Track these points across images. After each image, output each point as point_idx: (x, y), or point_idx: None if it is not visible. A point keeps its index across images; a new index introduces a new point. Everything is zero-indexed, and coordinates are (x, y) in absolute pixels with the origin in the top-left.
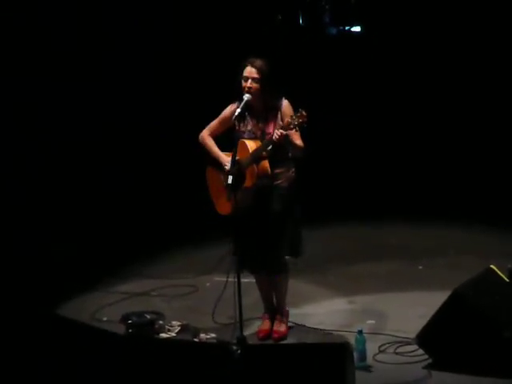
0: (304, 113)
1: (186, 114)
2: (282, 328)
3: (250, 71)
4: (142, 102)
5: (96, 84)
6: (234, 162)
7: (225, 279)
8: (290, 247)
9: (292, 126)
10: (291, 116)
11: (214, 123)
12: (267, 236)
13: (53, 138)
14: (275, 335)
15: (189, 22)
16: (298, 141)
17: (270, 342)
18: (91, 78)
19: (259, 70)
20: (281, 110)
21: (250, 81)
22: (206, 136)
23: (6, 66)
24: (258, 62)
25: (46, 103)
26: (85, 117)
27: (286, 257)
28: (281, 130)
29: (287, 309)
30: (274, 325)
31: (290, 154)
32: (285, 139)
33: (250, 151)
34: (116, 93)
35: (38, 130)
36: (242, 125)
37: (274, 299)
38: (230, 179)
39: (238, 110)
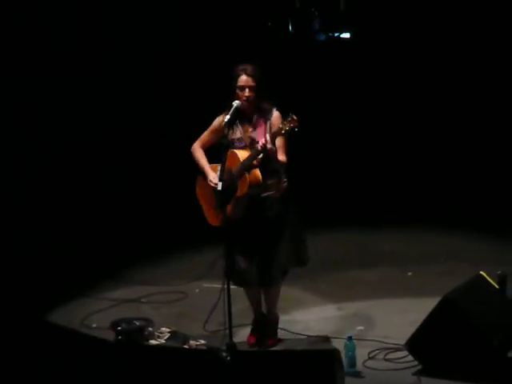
0: (295, 117)
1: (185, 116)
2: (273, 334)
3: (246, 80)
4: (142, 103)
5: (96, 84)
6: (223, 169)
7: (214, 286)
8: (292, 258)
9: (283, 132)
10: (282, 121)
11: (205, 135)
12: (260, 248)
13: (53, 137)
14: (266, 341)
15: (179, 26)
16: (281, 156)
17: (260, 348)
18: (91, 78)
19: (254, 78)
20: (270, 121)
21: (247, 90)
22: (196, 148)
23: (6, 66)
24: (251, 69)
25: (45, 103)
26: (85, 117)
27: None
28: (267, 138)
29: (277, 315)
30: (265, 331)
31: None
32: (271, 150)
33: (241, 160)
34: (116, 93)
35: (38, 130)
36: (231, 132)
37: (264, 306)
38: (219, 185)
39: (228, 117)
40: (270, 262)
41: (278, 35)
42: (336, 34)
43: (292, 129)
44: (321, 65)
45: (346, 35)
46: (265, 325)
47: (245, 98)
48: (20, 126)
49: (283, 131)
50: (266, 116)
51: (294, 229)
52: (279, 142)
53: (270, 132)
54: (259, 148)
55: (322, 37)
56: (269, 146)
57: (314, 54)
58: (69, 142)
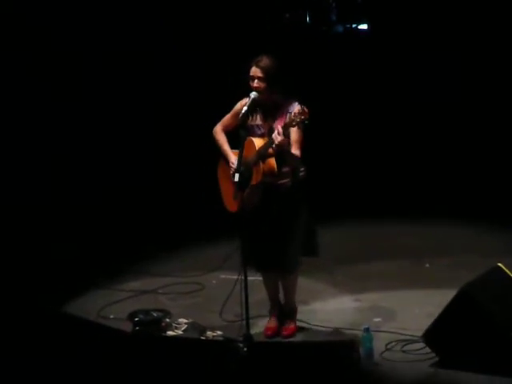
0: (306, 109)
1: (192, 109)
2: (291, 325)
3: (254, 71)
4: (145, 94)
5: (97, 78)
6: (240, 160)
7: (231, 277)
8: (303, 247)
9: (294, 124)
10: (294, 113)
11: (227, 118)
12: (275, 235)
13: (53, 134)
14: (284, 332)
15: (199, 17)
16: (296, 150)
17: (277, 339)
18: (92, 74)
19: (263, 69)
20: (291, 113)
21: (256, 80)
22: (218, 131)
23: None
24: (263, 61)
25: (44, 100)
26: (83, 112)
27: (302, 256)
28: (280, 129)
29: (295, 305)
30: (283, 322)
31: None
32: (284, 143)
33: (257, 149)
34: (118, 84)
35: (37, 128)
36: (251, 119)
37: (282, 297)
38: (236, 177)
39: (245, 108)
40: (286, 248)
41: (296, 27)
42: (353, 25)
43: (302, 121)
44: (338, 56)
45: (364, 26)
46: (282, 315)
47: (254, 88)
48: (19, 124)
49: (294, 123)
50: (287, 108)
51: (306, 217)
52: (296, 135)
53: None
54: (274, 138)
55: (340, 28)
56: (280, 138)
57: (331, 45)
58: (75, 136)
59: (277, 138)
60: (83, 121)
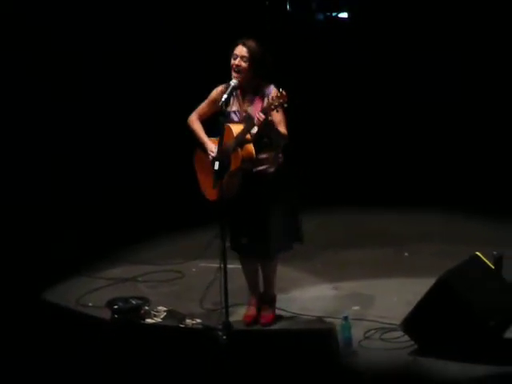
0: (284, 92)
1: (172, 96)
2: (270, 313)
3: (240, 50)
4: (145, 94)
5: (97, 78)
6: (220, 147)
7: (210, 265)
8: (288, 234)
9: (273, 107)
10: (271, 97)
11: (202, 106)
12: (256, 222)
13: (53, 134)
14: (262, 320)
15: (177, 7)
16: (282, 129)
17: (256, 327)
18: (92, 74)
19: (249, 50)
20: (268, 97)
21: (238, 59)
22: (194, 120)
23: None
24: (250, 43)
25: (41, 99)
26: (83, 112)
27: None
28: (260, 113)
29: (274, 294)
30: (262, 310)
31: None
32: (266, 124)
33: (235, 135)
34: (118, 83)
35: (37, 128)
36: (228, 105)
37: (261, 284)
38: (216, 165)
39: (225, 96)
40: (266, 235)
41: (276, 14)
42: (334, 14)
43: (281, 104)
44: (319, 44)
45: (344, 15)
46: (261, 303)
47: (235, 67)
48: (20, 121)
49: (272, 106)
50: (263, 92)
51: (288, 204)
52: (279, 116)
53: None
54: (255, 122)
55: (320, 16)
56: (261, 117)
57: (311, 33)
58: (63, 133)
59: (257, 121)
60: (83, 121)
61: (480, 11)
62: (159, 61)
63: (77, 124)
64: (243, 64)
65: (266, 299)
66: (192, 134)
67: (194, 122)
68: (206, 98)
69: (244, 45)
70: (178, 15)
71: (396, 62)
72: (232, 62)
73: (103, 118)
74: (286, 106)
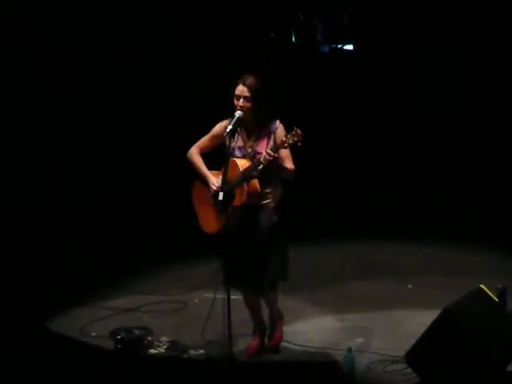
0: (299, 131)
1: (175, 131)
2: (277, 334)
3: (241, 90)
4: (145, 94)
5: (97, 78)
6: (225, 179)
7: (213, 296)
8: (279, 271)
9: (286, 145)
10: (285, 134)
11: (204, 140)
12: (255, 255)
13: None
14: (272, 342)
15: (183, 35)
16: (289, 164)
17: (260, 359)
18: (92, 74)
19: (250, 88)
20: (275, 133)
21: (241, 100)
22: (194, 153)
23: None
24: (250, 80)
25: (41, 99)
26: (83, 112)
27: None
28: (269, 151)
29: (282, 314)
30: (270, 333)
31: (278, 176)
32: (274, 162)
33: (241, 170)
34: (118, 83)
35: (37, 128)
36: (232, 141)
37: (264, 315)
38: (220, 196)
39: (230, 127)
40: (265, 269)
41: (281, 46)
42: (339, 46)
43: (295, 143)
44: (324, 76)
45: (349, 47)
46: (266, 331)
47: (239, 108)
48: (20, 121)
49: (286, 144)
50: (269, 128)
51: (281, 241)
52: (285, 151)
53: (274, 143)
54: (263, 160)
55: (326, 48)
56: (270, 157)
57: (317, 65)
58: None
59: (266, 159)
60: (83, 121)
61: (480, 11)
62: (159, 61)
63: (77, 125)
64: (246, 104)
65: (273, 316)
66: (192, 166)
67: (194, 155)
68: (207, 132)
69: (244, 84)
70: (179, 16)
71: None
72: (235, 102)
73: (104, 122)
74: (300, 144)
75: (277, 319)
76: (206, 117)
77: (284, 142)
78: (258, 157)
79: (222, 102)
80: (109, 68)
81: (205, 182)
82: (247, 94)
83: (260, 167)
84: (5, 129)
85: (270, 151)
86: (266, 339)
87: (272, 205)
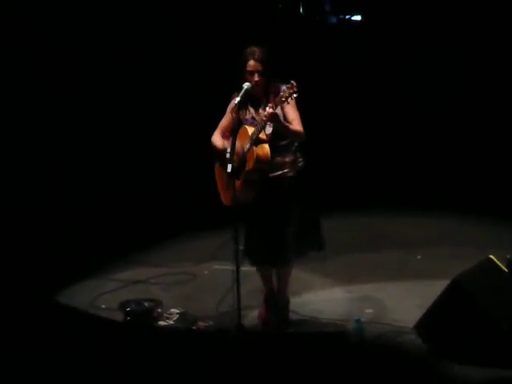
0: (294, 83)
1: (183, 104)
2: (283, 318)
3: (254, 65)
4: (145, 94)
5: (97, 78)
6: (233, 149)
7: (223, 267)
8: (306, 240)
9: (284, 99)
10: (283, 89)
11: (222, 121)
12: (271, 228)
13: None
14: (276, 325)
15: (187, 11)
16: (298, 126)
17: (269, 328)
18: (92, 74)
19: (262, 63)
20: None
21: (256, 75)
22: (216, 138)
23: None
24: (259, 54)
25: (41, 99)
26: (83, 112)
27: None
28: (269, 107)
29: (288, 298)
30: (275, 314)
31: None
32: (277, 120)
33: (250, 134)
34: (118, 84)
35: (37, 128)
36: (242, 113)
37: (276, 287)
38: (229, 168)
39: (238, 99)
40: (281, 242)
41: (289, 17)
42: (347, 17)
43: (291, 94)
44: (332, 47)
45: (357, 17)
46: (275, 306)
47: (254, 83)
48: (19, 124)
49: (283, 98)
50: (275, 93)
51: (307, 210)
52: (292, 113)
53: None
54: (265, 118)
55: (333, 19)
56: (270, 111)
57: (324, 36)
58: (71, 131)
59: (267, 116)
60: (83, 121)
61: (480, 11)
62: (159, 61)
63: (78, 124)
64: (261, 78)
65: (279, 303)
66: (215, 150)
67: (216, 140)
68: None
69: (256, 60)
70: (179, 15)
71: (408, 64)
72: (250, 78)
73: (105, 118)
74: (295, 95)
75: (284, 303)
76: (207, 115)
77: (282, 96)
78: (262, 115)
79: (229, 77)
80: (108, 68)
81: (223, 157)
82: (260, 68)
83: (268, 130)
84: (5, 129)
85: (269, 107)
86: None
87: (290, 174)
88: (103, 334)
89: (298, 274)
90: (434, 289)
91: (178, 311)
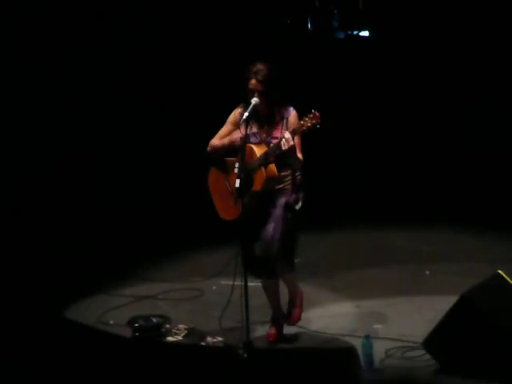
0: (317, 114)
1: (191, 114)
2: (296, 311)
3: (255, 85)
4: (145, 103)
5: (98, 80)
6: (241, 165)
7: (231, 283)
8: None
9: (304, 128)
10: (304, 118)
11: (222, 130)
12: (267, 236)
13: (56, 139)
14: (293, 319)
15: (196, 22)
16: (300, 154)
17: (278, 346)
18: (93, 76)
19: (263, 83)
20: (287, 119)
21: (256, 94)
22: (214, 141)
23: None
24: (262, 74)
25: (49, 103)
26: (86, 118)
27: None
28: (288, 137)
29: (301, 290)
30: (290, 309)
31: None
32: (292, 148)
33: (258, 155)
34: (118, 84)
35: (40, 131)
36: (247, 128)
37: (284, 300)
38: (237, 183)
39: (246, 114)
40: (284, 250)
41: (297, 33)
42: (355, 32)
43: (314, 125)
44: (340, 63)
45: (365, 33)
46: (289, 299)
47: (254, 101)
48: (21, 126)
49: (304, 127)
50: (282, 114)
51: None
52: (297, 140)
53: (288, 130)
54: (283, 146)
55: (341, 35)
56: (291, 143)
57: (332, 51)
58: (75, 142)
59: (285, 144)
60: (84, 123)
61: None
62: (159, 60)
63: (81, 143)
64: (261, 98)
65: (293, 299)
66: (216, 153)
67: (216, 141)
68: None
69: (257, 80)
70: (185, 26)
71: (416, 79)
72: (251, 95)
73: (111, 133)
74: (318, 126)
75: (295, 295)
76: (220, 103)
77: (302, 126)
78: (274, 141)
79: (235, 89)
80: (109, 67)
81: (222, 168)
82: (261, 88)
83: (277, 152)
84: (5, 130)
85: (288, 137)
86: (286, 316)
87: (288, 187)
88: (111, 349)
89: (305, 290)
90: (443, 304)
91: (186, 327)
